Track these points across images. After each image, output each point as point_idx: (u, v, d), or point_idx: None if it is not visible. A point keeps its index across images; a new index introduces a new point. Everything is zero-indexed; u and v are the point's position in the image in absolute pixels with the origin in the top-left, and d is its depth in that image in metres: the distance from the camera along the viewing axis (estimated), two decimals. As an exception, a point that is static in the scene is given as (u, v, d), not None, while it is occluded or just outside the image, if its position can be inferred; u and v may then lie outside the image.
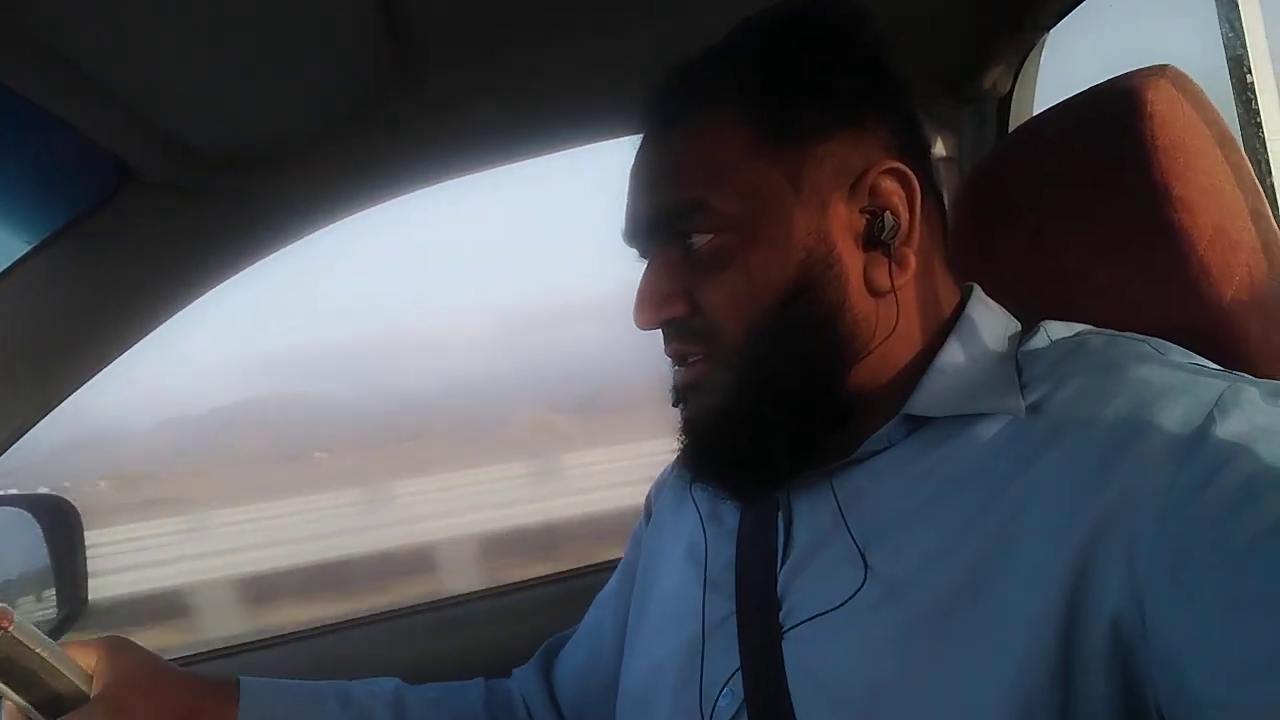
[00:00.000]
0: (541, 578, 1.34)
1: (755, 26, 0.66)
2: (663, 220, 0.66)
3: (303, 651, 1.20)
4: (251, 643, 1.22)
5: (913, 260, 0.64)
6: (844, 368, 0.63)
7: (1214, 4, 0.81)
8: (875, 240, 0.63)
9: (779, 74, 0.63)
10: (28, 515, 0.97)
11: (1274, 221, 0.66)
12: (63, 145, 0.81)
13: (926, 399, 0.62)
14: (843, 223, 0.63)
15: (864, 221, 0.64)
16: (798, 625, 0.61)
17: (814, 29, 0.64)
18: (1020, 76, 1.16)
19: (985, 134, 1.20)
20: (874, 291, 0.64)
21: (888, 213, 0.63)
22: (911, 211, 0.64)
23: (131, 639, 0.74)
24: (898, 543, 0.59)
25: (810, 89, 0.63)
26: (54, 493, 1.03)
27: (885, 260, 0.63)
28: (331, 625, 1.24)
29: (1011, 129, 1.18)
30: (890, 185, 0.64)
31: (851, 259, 0.63)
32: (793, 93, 0.63)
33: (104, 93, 0.72)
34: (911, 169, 0.64)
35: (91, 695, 0.68)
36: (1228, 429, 0.50)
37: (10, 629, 0.64)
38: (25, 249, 0.86)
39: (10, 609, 0.65)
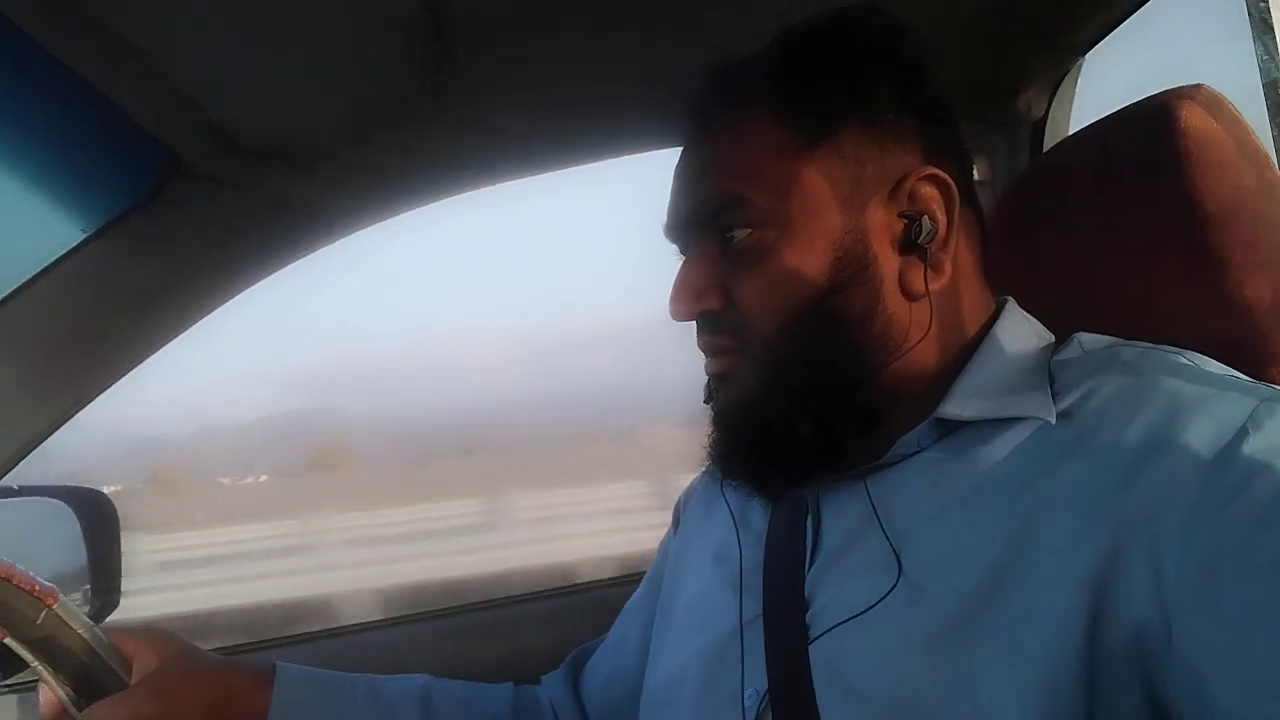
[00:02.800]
0: (570, 586, 1.34)
1: (795, 34, 0.68)
2: (701, 214, 0.67)
3: (332, 649, 1.21)
4: (283, 639, 1.23)
5: (948, 267, 0.65)
6: (874, 368, 0.64)
7: (1249, 29, 0.82)
8: (912, 244, 0.64)
9: (818, 78, 0.65)
10: (66, 508, 0.99)
11: None
12: (117, 135, 0.83)
13: (958, 403, 0.62)
14: (880, 225, 0.64)
15: (902, 225, 0.64)
16: (828, 628, 0.61)
17: (853, 37, 0.66)
18: (1055, 101, 1.16)
19: (1019, 158, 1.20)
20: (908, 295, 0.64)
21: (925, 217, 0.64)
22: (949, 218, 0.65)
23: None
24: (926, 546, 0.59)
25: (849, 94, 0.64)
26: (93, 487, 1.04)
27: (921, 265, 0.64)
28: (361, 625, 1.25)
29: (1045, 153, 1.17)
30: (929, 191, 0.65)
31: (887, 261, 0.64)
32: (831, 96, 0.64)
33: (160, 80, 0.74)
34: (951, 177, 0.65)
35: (130, 680, 0.70)
36: (1258, 445, 0.50)
37: (54, 606, 0.65)
38: (81, 237, 0.89)
39: (54, 587, 0.66)
